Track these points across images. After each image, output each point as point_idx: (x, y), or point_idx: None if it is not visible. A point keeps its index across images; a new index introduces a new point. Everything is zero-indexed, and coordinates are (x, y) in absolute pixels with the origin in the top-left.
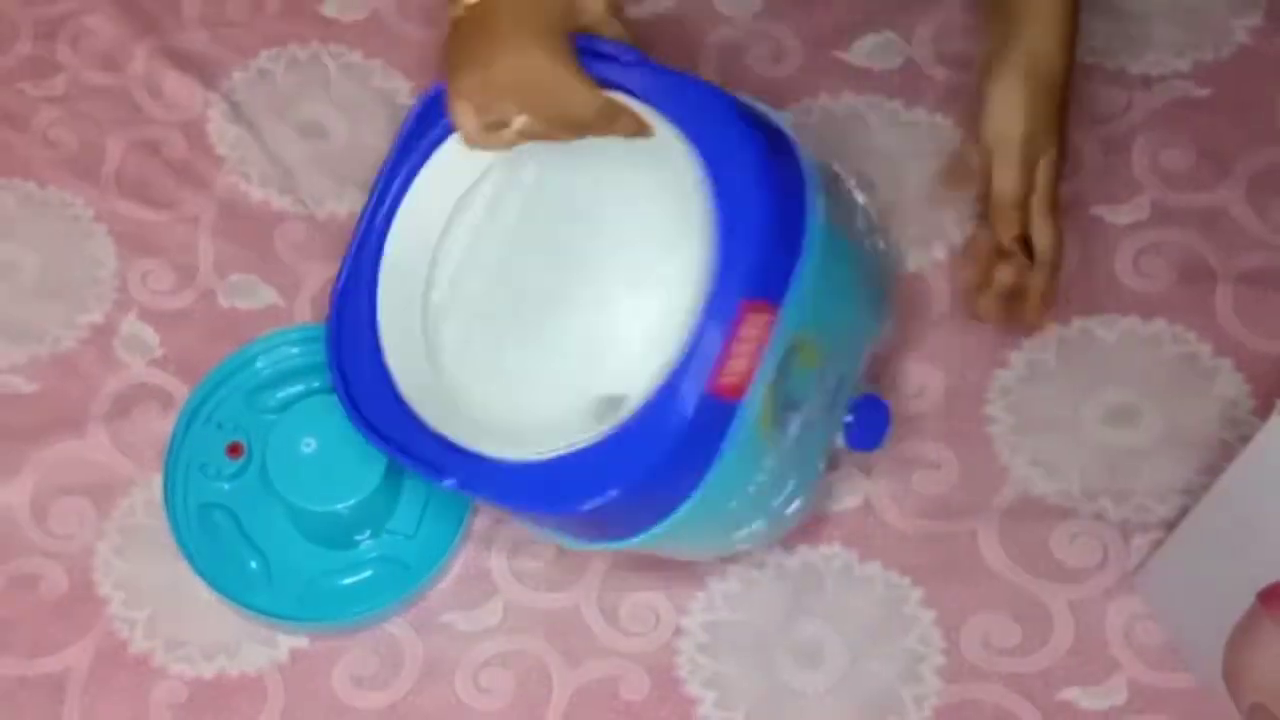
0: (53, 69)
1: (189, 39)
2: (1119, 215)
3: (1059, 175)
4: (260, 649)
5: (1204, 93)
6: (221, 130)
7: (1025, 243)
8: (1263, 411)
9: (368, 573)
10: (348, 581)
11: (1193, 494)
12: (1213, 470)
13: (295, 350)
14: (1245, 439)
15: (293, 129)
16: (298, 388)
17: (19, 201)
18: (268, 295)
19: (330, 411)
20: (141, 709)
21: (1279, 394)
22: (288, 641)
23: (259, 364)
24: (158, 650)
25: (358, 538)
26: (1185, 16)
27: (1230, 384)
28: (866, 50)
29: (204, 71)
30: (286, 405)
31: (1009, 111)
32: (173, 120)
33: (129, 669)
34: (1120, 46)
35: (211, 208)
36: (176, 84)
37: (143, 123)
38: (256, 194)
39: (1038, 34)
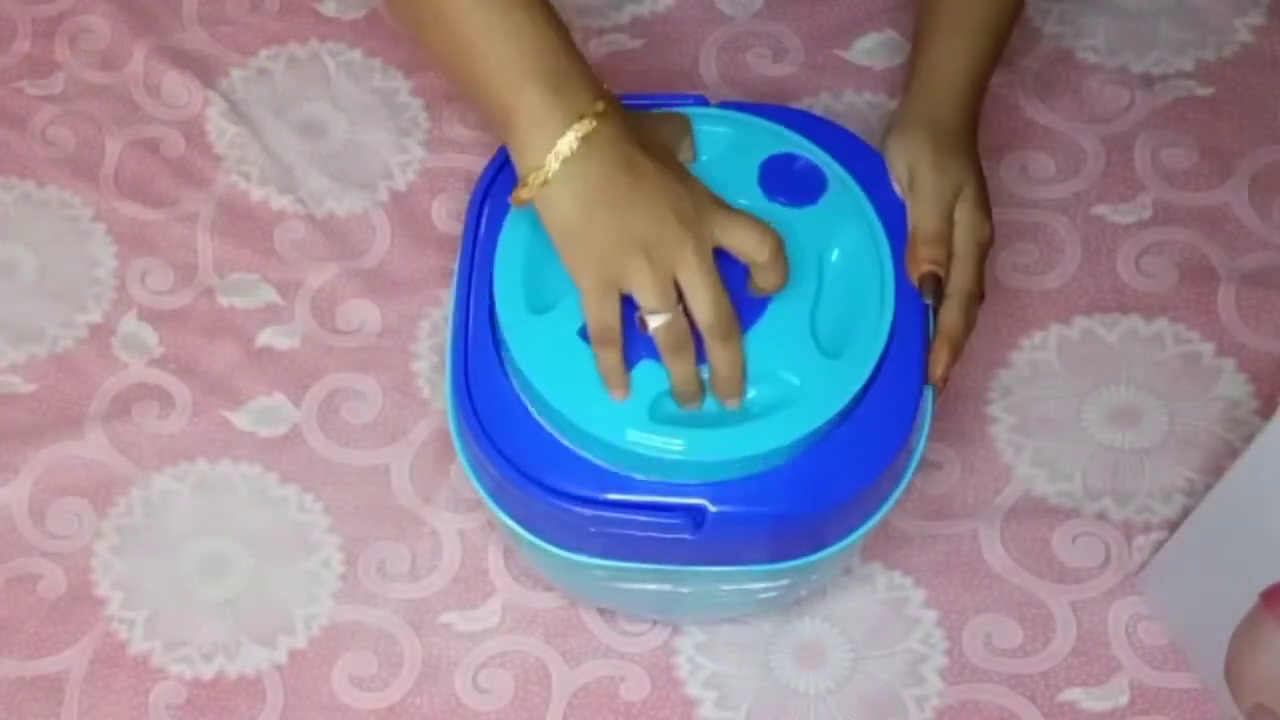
0: (51, 68)
1: (188, 38)
2: (1121, 214)
3: (985, 213)
4: (259, 650)
5: (1206, 92)
6: (220, 129)
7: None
8: (1266, 411)
9: None
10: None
11: (1195, 494)
12: (1215, 471)
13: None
14: (1248, 439)
15: (292, 128)
16: None
17: (17, 201)
18: (267, 294)
19: None
20: (140, 710)
21: None
22: (287, 642)
23: None
24: (156, 651)
25: None
26: (1188, 15)
27: (1233, 384)
28: (867, 49)
29: (203, 70)
30: None
31: (909, 158)
32: (171, 119)
33: (127, 669)
34: (1122, 45)
35: (210, 206)
36: (175, 83)
37: (141, 121)
38: (256, 193)
39: (935, 98)
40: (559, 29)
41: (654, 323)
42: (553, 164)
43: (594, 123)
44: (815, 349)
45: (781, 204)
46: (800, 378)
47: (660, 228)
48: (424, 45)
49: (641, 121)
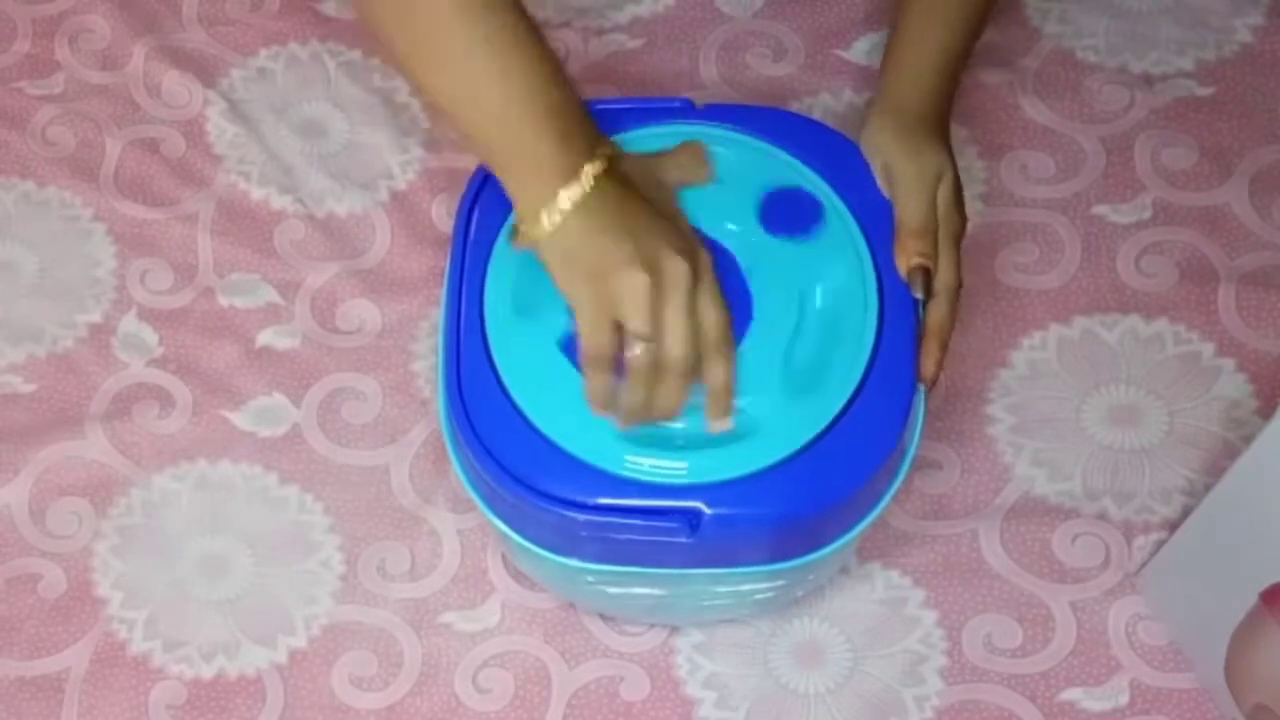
0: (51, 67)
1: (188, 37)
2: (1121, 214)
3: (960, 203)
4: (259, 649)
5: (1206, 91)
6: (220, 129)
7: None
8: (1265, 412)
9: None
10: None
11: (1195, 494)
12: (1215, 470)
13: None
14: (1248, 439)
15: (292, 128)
16: None
17: (17, 200)
18: (267, 294)
19: None
20: (140, 710)
21: None
22: (287, 642)
23: None
24: (156, 651)
25: None
26: (1188, 15)
27: (1233, 384)
28: (868, 48)
29: (203, 70)
30: None
31: (883, 151)
32: (172, 119)
33: (128, 669)
34: (1122, 45)
35: (210, 206)
36: (175, 82)
37: (141, 121)
38: (256, 193)
39: (904, 88)
40: (559, 71)
41: (637, 348)
42: (564, 205)
43: (603, 164)
44: (782, 383)
45: (776, 236)
46: (765, 405)
47: (661, 254)
48: (422, 86)
49: (649, 162)
